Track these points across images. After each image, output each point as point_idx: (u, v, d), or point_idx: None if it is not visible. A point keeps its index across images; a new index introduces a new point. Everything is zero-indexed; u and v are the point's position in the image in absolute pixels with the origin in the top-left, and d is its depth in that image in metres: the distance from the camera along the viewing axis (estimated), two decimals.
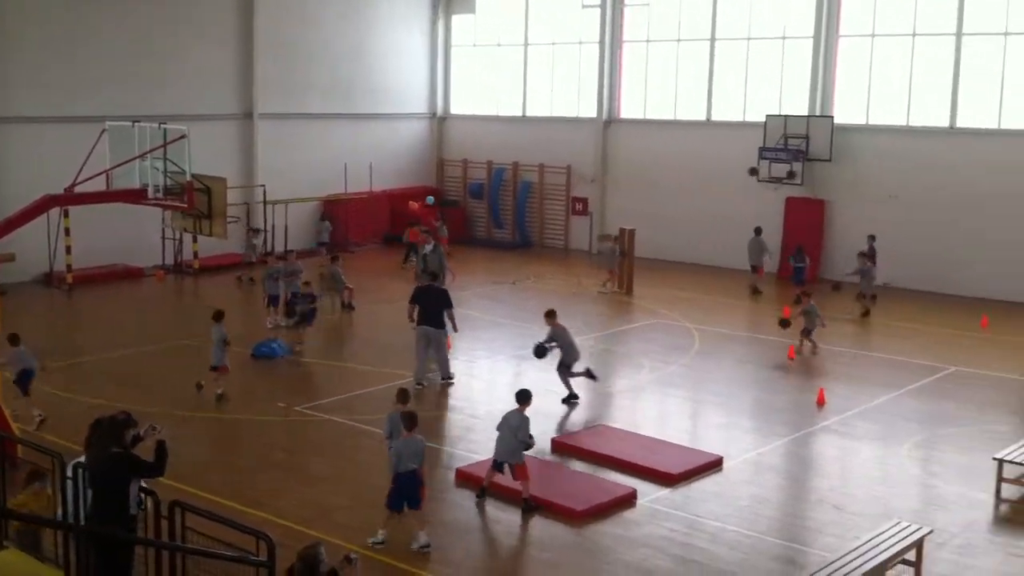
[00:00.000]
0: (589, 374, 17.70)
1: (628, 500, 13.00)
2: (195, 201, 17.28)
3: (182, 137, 17.28)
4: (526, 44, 34.66)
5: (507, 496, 12.98)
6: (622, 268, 26.56)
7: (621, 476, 13.82)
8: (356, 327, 22.96)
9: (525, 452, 13.00)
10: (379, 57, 34.50)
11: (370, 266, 29.65)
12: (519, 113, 35.05)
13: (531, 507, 12.72)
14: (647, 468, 13.89)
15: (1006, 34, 25.97)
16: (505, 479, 12.98)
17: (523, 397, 13.04)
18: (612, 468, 14.11)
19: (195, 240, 27.02)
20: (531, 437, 12.92)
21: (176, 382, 18.00)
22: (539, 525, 12.40)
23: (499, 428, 13.00)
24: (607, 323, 23.30)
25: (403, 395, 12.71)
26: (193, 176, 17.36)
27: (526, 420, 12.86)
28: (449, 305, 18.14)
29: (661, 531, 12.23)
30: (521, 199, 34.41)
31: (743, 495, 13.40)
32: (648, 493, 13.26)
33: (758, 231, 27.20)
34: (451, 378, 18.20)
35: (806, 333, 20.52)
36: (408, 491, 11.55)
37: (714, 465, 14.26)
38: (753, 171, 27.66)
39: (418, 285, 19.07)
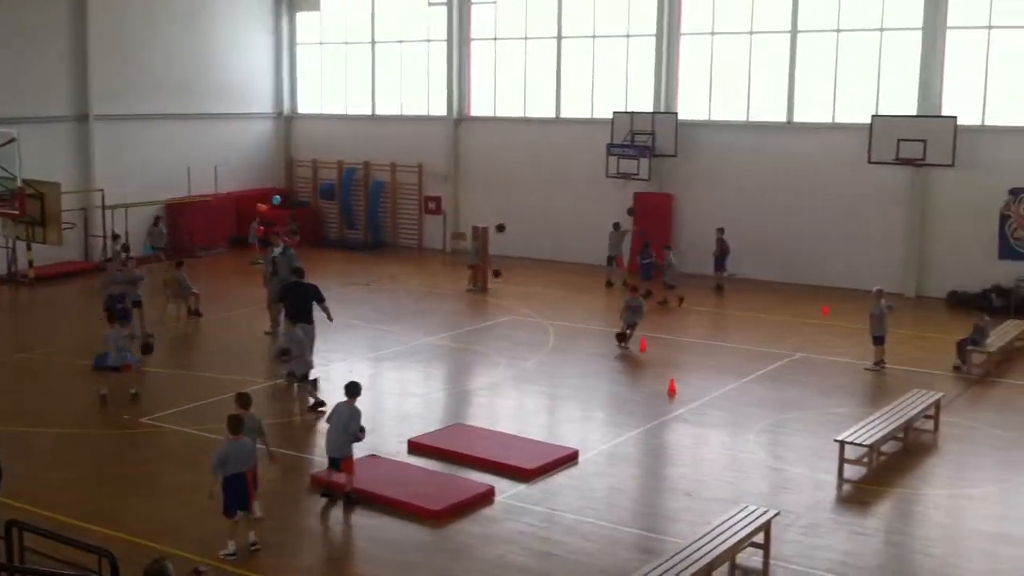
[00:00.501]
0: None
1: (486, 497, 12.98)
2: (27, 207, 16.53)
3: (11, 141, 16.52)
4: (373, 42, 34.33)
5: (364, 499, 12.81)
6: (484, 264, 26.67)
7: (479, 474, 13.79)
8: (204, 334, 22.32)
9: (356, 445, 12.99)
10: (222, 55, 33.65)
11: (217, 271, 28.89)
12: (368, 112, 34.72)
13: (353, 500, 12.68)
14: (504, 464, 13.91)
15: (838, 31, 27.01)
16: (357, 481, 12.83)
17: (352, 390, 12.97)
18: (469, 466, 14.06)
19: (29, 248, 25.81)
20: (362, 430, 12.87)
21: (10, 397, 17.16)
22: (396, 527, 12.26)
23: (328, 421, 12.86)
24: (462, 322, 23.27)
25: (243, 399, 12.40)
26: (24, 181, 16.61)
27: (357, 412, 12.82)
28: (321, 298, 18.09)
29: (519, 526, 12.25)
30: (373, 199, 34.09)
31: (599, 487, 13.55)
32: (505, 489, 13.27)
33: (616, 226, 27.61)
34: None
35: (632, 327, 20.83)
36: (238, 495, 11.34)
37: (570, 458, 14.38)
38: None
39: (285, 284, 18.83)
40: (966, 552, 11.74)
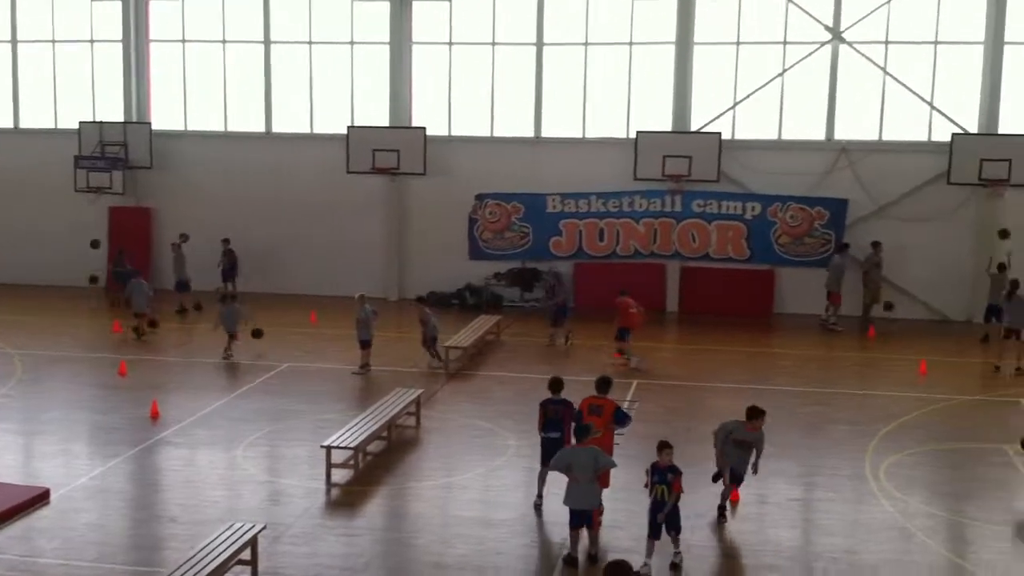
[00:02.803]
0: None
1: None
2: None
3: None
4: None
5: None
6: None
7: None
8: None
9: None
10: None
11: None
12: None
13: None
14: None
15: (310, 43, 27.39)
16: None
17: None
18: None
19: None
20: None
21: None
22: None
23: None
24: None
25: None
26: None
27: None
28: None
29: None
30: None
31: (75, 524, 12.46)
32: None
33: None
34: None
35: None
36: None
37: (40, 499, 13.09)
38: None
39: None
40: (449, 538, 12.24)
